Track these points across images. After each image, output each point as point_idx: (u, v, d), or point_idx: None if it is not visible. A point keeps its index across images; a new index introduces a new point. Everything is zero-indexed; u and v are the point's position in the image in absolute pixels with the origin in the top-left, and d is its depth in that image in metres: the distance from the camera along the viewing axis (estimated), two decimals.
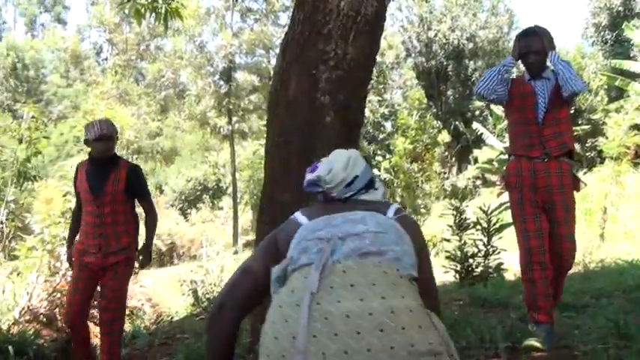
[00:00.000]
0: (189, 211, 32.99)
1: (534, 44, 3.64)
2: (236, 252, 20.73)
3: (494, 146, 16.69)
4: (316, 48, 3.54)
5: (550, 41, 3.64)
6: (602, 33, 29.15)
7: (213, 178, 35.13)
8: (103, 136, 4.05)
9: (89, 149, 4.29)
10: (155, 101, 32.79)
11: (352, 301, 1.65)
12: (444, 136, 18.42)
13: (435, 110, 29.63)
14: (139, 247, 4.36)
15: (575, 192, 3.71)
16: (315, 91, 3.55)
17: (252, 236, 25.74)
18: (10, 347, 5.09)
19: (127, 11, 6.27)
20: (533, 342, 3.29)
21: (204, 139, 36.78)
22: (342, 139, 3.62)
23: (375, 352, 1.57)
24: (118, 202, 4.13)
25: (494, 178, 18.56)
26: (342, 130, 3.61)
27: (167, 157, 36.70)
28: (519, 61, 3.78)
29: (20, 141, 7.86)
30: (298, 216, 2.08)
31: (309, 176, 2.20)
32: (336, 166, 2.13)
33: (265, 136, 4.00)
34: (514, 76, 4.14)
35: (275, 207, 3.66)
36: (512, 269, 8.04)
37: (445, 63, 33.15)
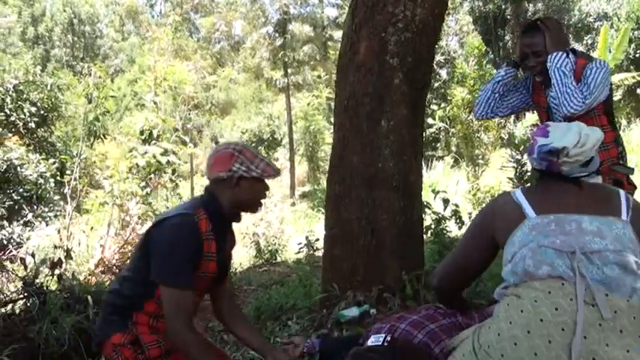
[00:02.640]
0: None
1: (534, 43, 2.97)
2: (293, 204, 20.97)
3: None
4: (385, 10, 3.55)
5: (555, 37, 2.93)
6: None
7: (268, 129, 35.36)
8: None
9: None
10: (210, 54, 33.00)
11: (620, 350, 1.57)
12: None
13: (492, 56, 28.84)
14: None
15: None
16: (384, 54, 3.59)
17: (308, 187, 25.99)
18: (89, 297, 5.40)
19: None
20: None
21: (259, 90, 36.94)
22: (410, 102, 3.66)
23: None
24: None
25: None
26: (410, 93, 3.64)
27: (222, 110, 37.08)
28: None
29: (89, 100, 8.12)
30: (521, 199, 1.95)
31: (543, 140, 1.99)
32: (588, 142, 1.93)
33: (334, 97, 4.05)
34: None
35: (345, 168, 3.75)
36: None
37: (503, 6, 32.03)
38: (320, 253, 5.03)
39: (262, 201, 2.63)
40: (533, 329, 1.64)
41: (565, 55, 2.89)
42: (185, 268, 2.36)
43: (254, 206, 2.59)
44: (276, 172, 2.53)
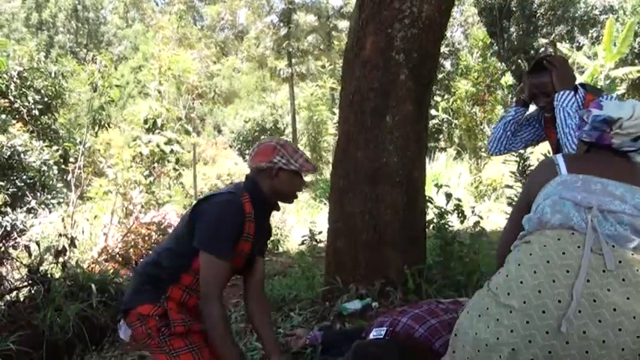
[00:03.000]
0: (247, 151, 33.43)
1: (542, 84, 2.95)
2: None
3: None
4: (392, 6, 3.57)
5: (562, 75, 2.91)
6: None
7: (271, 119, 35.37)
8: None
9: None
10: (215, 43, 32.94)
11: (620, 297, 1.67)
12: (507, 79, 17.92)
13: (497, 48, 28.77)
14: None
15: None
16: (390, 50, 3.61)
17: (310, 177, 25.99)
18: (92, 285, 5.45)
19: None
20: None
21: (262, 81, 36.88)
22: (415, 97, 3.68)
23: (626, 354, 1.63)
24: None
25: None
26: (415, 89, 3.67)
27: (225, 99, 37.05)
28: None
29: (94, 89, 8.13)
30: (559, 160, 2.05)
31: (597, 112, 2.05)
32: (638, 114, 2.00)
33: (339, 91, 4.07)
34: None
35: (349, 162, 3.78)
36: None
37: None
38: (322, 245, 5.06)
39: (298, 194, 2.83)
40: (540, 270, 1.75)
41: (572, 93, 2.87)
42: (227, 240, 2.51)
43: (290, 197, 2.77)
44: (314, 169, 2.73)
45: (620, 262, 1.72)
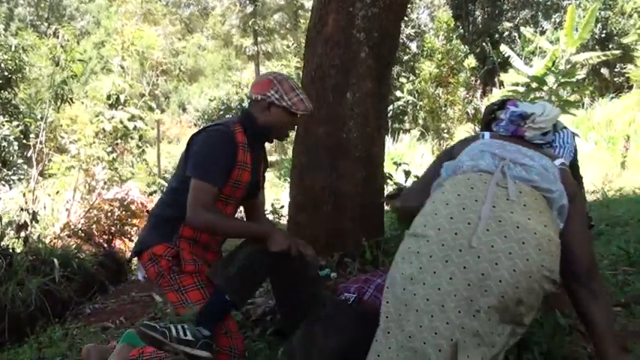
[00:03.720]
0: None
1: None
2: None
3: (520, 70, 16.37)
4: None
5: None
6: None
7: (237, 97, 35.06)
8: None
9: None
10: (180, 20, 32.47)
11: (523, 217, 1.93)
12: (471, 61, 18.14)
13: (462, 31, 28.97)
14: None
15: None
16: (351, 28, 3.68)
17: (275, 157, 25.97)
18: (55, 260, 5.46)
19: None
20: None
21: (228, 58, 36.51)
22: (376, 76, 3.77)
23: (530, 264, 1.87)
24: None
25: None
26: (376, 67, 3.75)
27: (190, 77, 36.63)
28: None
29: (57, 64, 8.01)
30: (485, 134, 2.33)
31: (513, 108, 2.38)
32: (552, 113, 2.35)
33: (302, 68, 4.14)
34: None
35: (310, 138, 3.85)
36: None
37: None
38: (285, 221, 5.15)
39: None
40: (452, 202, 2.01)
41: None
42: (216, 166, 2.59)
43: (280, 134, 2.83)
44: (306, 109, 2.75)
45: (520, 192, 1.99)
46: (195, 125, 33.62)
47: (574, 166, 3.34)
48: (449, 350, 1.84)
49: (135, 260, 7.21)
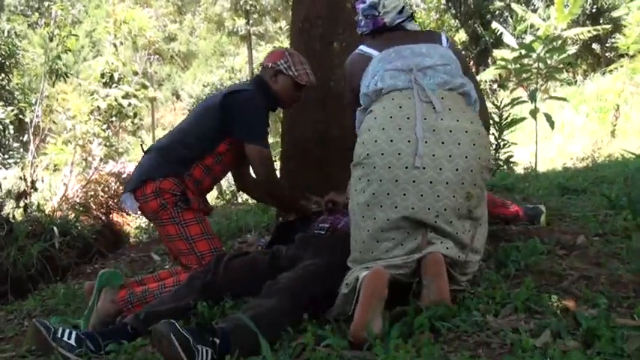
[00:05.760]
0: None
1: None
2: None
3: (511, 46, 16.42)
4: None
5: None
6: None
7: (230, 82, 35.08)
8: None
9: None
10: (172, 1, 32.36)
11: (451, 121, 2.15)
12: (461, 36, 18.20)
13: (453, 12, 28.95)
14: None
15: None
16: None
17: (270, 139, 25.99)
18: (54, 228, 5.55)
19: None
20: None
21: (220, 44, 36.41)
22: None
23: (469, 159, 2.10)
24: None
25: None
26: None
27: (184, 59, 36.57)
28: None
29: (51, 39, 8.09)
30: (365, 49, 2.48)
31: (362, 5, 2.56)
32: None
33: (290, 22, 4.23)
34: None
35: None
36: (523, 163, 8.33)
37: None
38: None
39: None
40: (387, 125, 2.17)
41: None
42: (267, 132, 2.95)
43: (285, 103, 3.16)
44: (309, 81, 3.07)
45: (442, 98, 2.19)
46: (190, 112, 33.56)
47: None
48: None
49: (133, 230, 7.34)
